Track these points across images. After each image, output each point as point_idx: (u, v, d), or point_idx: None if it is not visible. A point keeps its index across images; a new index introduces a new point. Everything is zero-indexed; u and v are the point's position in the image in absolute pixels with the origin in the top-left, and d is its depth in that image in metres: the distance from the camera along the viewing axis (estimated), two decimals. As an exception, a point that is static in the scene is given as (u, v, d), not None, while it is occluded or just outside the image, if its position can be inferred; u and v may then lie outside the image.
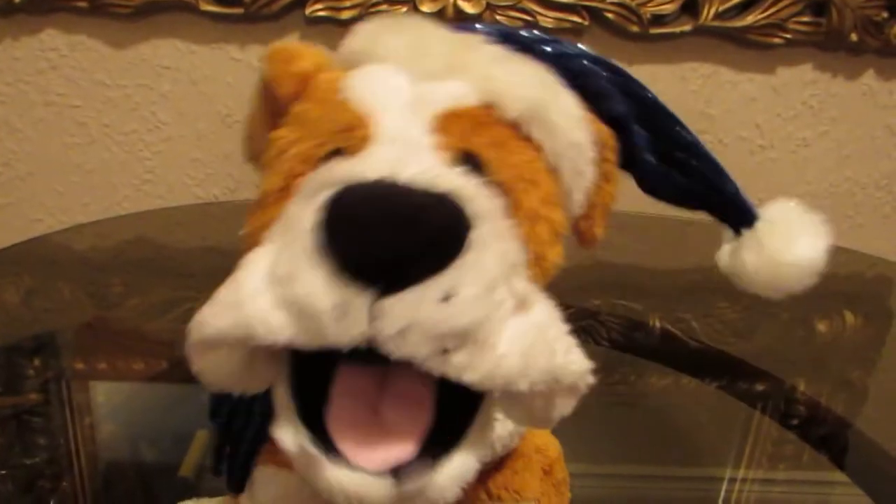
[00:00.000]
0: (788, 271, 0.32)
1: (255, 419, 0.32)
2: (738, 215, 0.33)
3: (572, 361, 0.22)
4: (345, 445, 0.22)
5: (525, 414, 0.23)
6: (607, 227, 0.31)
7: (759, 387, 0.62)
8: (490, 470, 0.32)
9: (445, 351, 0.21)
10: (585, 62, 0.30)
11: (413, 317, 0.20)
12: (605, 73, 0.31)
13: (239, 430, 0.32)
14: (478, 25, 0.31)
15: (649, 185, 0.33)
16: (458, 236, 0.21)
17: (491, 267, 0.22)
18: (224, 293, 0.22)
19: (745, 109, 0.82)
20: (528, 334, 0.22)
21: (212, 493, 0.41)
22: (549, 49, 0.30)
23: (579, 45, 0.31)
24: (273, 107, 0.29)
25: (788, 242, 0.32)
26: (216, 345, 0.22)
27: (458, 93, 0.27)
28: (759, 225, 0.33)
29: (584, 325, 0.66)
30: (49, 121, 0.80)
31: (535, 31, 0.31)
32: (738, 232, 0.33)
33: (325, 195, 0.21)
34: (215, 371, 0.23)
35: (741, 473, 0.53)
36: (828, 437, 0.58)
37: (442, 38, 0.29)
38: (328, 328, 0.21)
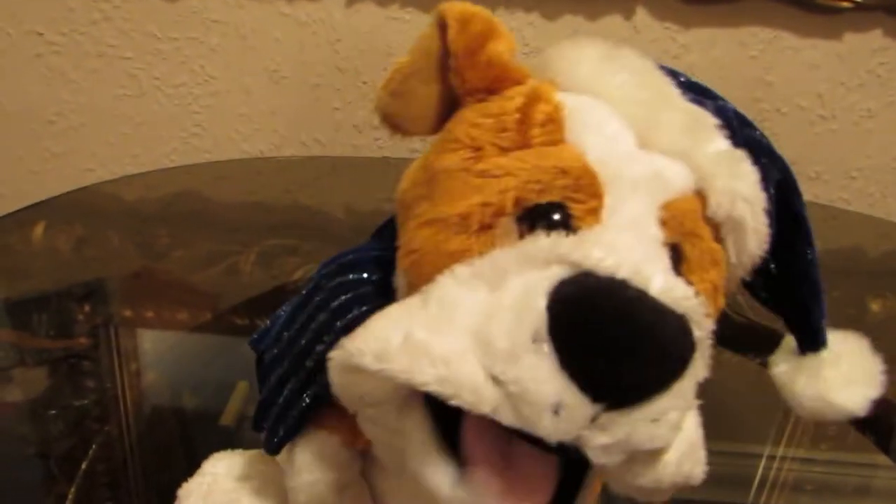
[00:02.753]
0: (832, 411, 0.31)
1: (306, 397, 0.32)
2: (811, 339, 0.32)
3: (701, 470, 0.24)
4: (486, 495, 0.22)
5: (627, 490, 0.24)
6: None
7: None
8: None
9: (631, 459, 0.22)
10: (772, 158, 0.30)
11: (626, 435, 0.21)
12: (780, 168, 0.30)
13: (287, 401, 0.32)
14: (709, 99, 0.29)
15: (753, 283, 0.32)
16: (686, 366, 0.21)
17: (693, 389, 0.22)
18: (426, 336, 0.21)
19: (807, 77, 0.79)
20: (684, 444, 0.23)
21: (251, 443, 0.41)
22: (761, 142, 0.30)
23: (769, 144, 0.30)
24: (447, 79, 0.27)
25: (844, 387, 0.31)
26: (387, 382, 0.22)
27: (686, 182, 0.26)
28: (824, 354, 0.32)
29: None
30: (101, 72, 0.81)
31: (753, 125, 0.30)
32: (801, 349, 0.32)
33: (559, 275, 0.21)
34: (357, 391, 0.23)
35: (780, 451, 0.53)
36: (873, 419, 0.56)
37: (676, 105, 0.27)
38: (542, 420, 0.20)
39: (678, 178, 0.26)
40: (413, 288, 0.24)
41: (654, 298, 0.21)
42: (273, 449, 0.33)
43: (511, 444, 0.23)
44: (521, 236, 0.24)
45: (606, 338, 0.20)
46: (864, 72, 0.79)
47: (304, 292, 0.33)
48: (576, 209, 0.24)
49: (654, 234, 0.24)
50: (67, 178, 0.84)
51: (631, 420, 0.20)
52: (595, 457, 0.21)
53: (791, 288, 0.31)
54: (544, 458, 0.23)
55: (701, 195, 0.26)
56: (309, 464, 0.32)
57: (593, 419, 0.20)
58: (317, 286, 0.32)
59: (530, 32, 0.76)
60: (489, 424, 0.22)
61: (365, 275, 0.30)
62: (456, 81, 0.27)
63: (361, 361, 0.22)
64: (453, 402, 0.21)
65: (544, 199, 0.24)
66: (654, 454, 0.22)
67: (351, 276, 0.31)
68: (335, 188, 0.79)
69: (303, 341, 0.31)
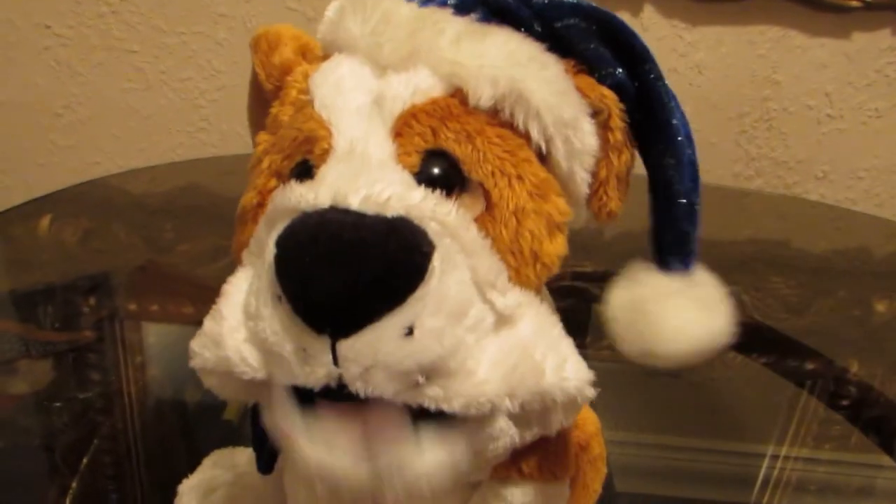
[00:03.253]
0: (652, 342, 0.26)
1: None
2: (668, 249, 0.28)
3: (565, 378, 0.22)
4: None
5: (522, 429, 0.23)
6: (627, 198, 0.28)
7: (809, 366, 0.61)
8: (523, 448, 0.32)
9: (418, 384, 0.21)
10: (573, 20, 0.26)
11: (374, 357, 0.20)
12: (593, 28, 0.26)
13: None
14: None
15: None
16: (412, 267, 0.20)
17: (455, 292, 0.21)
18: (208, 325, 0.23)
19: (815, 76, 0.79)
20: (511, 354, 0.21)
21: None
22: (530, 7, 0.27)
23: None
24: (262, 97, 0.29)
25: (676, 314, 0.26)
26: (211, 374, 0.23)
27: (421, 85, 0.24)
28: (674, 279, 0.27)
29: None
30: (108, 65, 0.81)
31: None
32: (661, 265, 0.28)
33: (281, 226, 0.21)
34: (221, 390, 0.24)
35: (784, 451, 0.52)
36: (878, 420, 0.56)
37: (404, 18, 0.26)
38: (294, 370, 0.21)
39: (409, 86, 0.24)
40: None
41: (353, 212, 0.21)
42: (263, 468, 0.33)
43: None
44: None
45: (307, 268, 0.20)
46: (873, 71, 0.79)
47: None
48: (313, 159, 0.25)
49: (384, 152, 0.24)
50: (74, 171, 0.84)
51: (370, 341, 0.20)
52: (362, 389, 0.20)
53: (658, 169, 0.27)
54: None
55: (459, 92, 0.24)
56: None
57: (337, 353, 0.20)
58: None
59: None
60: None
61: None
62: (267, 94, 0.29)
63: (194, 365, 0.23)
64: (239, 375, 0.22)
65: (292, 164, 0.25)
66: (449, 372, 0.21)
67: None
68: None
69: None
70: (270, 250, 0.21)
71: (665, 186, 0.27)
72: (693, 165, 0.27)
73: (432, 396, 0.21)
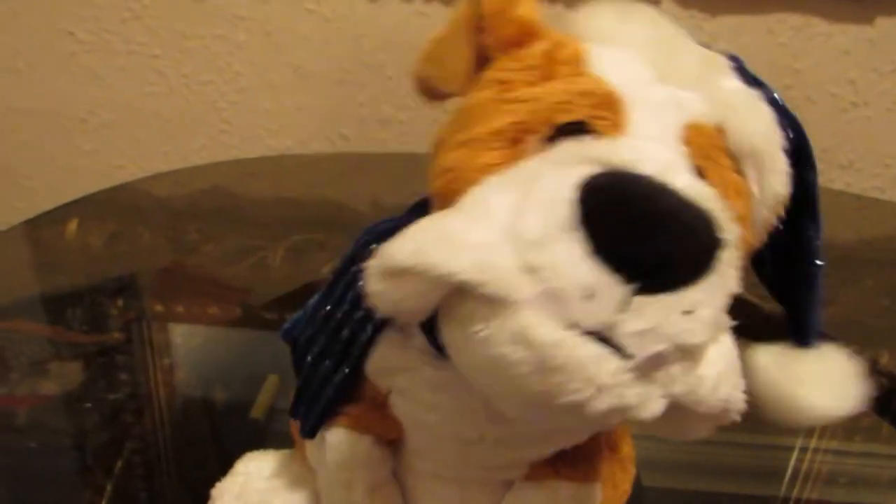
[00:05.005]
0: (793, 408, 0.30)
1: (344, 368, 0.32)
2: (798, 328, 0.31)
3: (740, 398, 0.23)
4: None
5: (672, 426, 0.23)
6: None
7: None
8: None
9: (666, 359, 0.21)
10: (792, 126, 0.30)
11: (659, 322, 0.21)
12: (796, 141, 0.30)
13: (324, 378, 0.32)
14: (720, 52, 0.30)
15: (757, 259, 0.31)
16: (715, 256, 0.21)
17: (725, 293, 0.22)
18: (457, 227, 0.22)
19: (838, 63, 0.77)
20: (723, 361, 0.22)
21: (281, 436, 0.42)
22: (774, 99, 0.30)
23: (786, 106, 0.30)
24: (478, 40, 0.29)
25: (814, 386, 0.30)
26: (424, 279, 0.22)
27: (704, 109, 0.27)
28: (809, 353, 0.31)
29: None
30: (130, 70, 0.82)
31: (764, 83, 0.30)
32: (789, 338, 0.32)
33: (587, 170, 0.21)
34: (393, 297, 0.22)
35: (813, 443, 0.52)
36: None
37: (690, 48, 0.29)
38: (572, 306, 0.20)
39: (698, 105, 0.27)
40: (445, 208, 0.25)
41: (679, 190, 0.22)
42: (309, 431, 0.34)
43: None
44: None
45: (634, 221, 0.20)
46: (898, 57, 0.77)
47: (338, 267, 0.33)
48: (600, 125, 0.25)
49: (679, 149, 0.25)
50: (99, 175, 0.85)
51: (662, 306, 0.21)
52: (628, 345, 0.21)
53: (790, 267, 0.31)
54: None
55: (719, 128, 0.27)
56: (340, 464, 0.33)
57: (625, 304, 0.20)
58: (352, 257, 0.32)
59: (554, 23, 0.75)
60: None
61: None
62: (487, 39, 0.28)
63: (397, 260, 0.22)
64: (488, 291, 0.21)
65: (571, 118, 0.25)
66: (690, 357, 0.22)
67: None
68: (361, 183, 0.80)
69: (339, 313, 0.32)
70: (573, 186, 0.21)
71: (803, 255, 0.31)
72: (818, 272, 0.31)
73: (670, 375, 0.21)
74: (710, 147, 0.26)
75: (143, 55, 0.81)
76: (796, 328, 0.31)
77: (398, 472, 0.34)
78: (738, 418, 0.24)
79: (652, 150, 0.24)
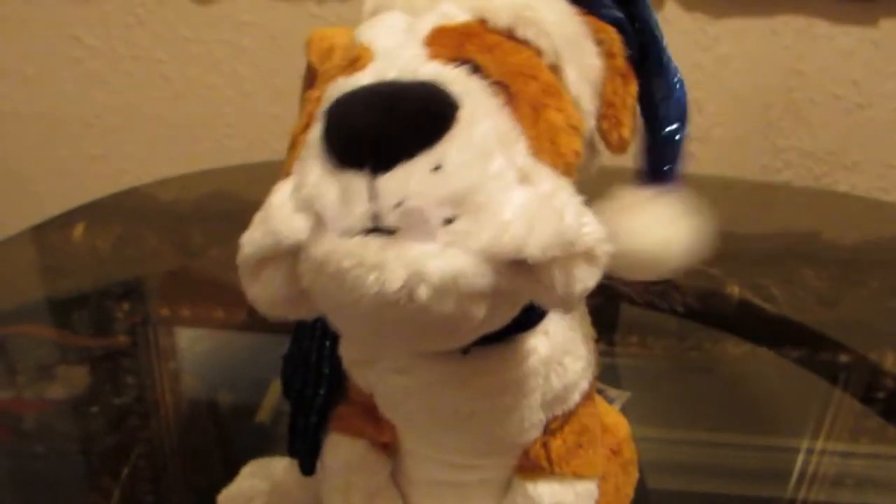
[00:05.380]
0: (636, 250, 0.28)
1: (323, 386, 0.33)
2: (649, 173, 0.30)
3: (584, 224, 0.22)
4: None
5: (547, 292, 0.23)
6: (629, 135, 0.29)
7: (842, 359, 0.60)
8: (553, 434, 0.32)
9: (448, 221, 0.21)
10: None
11: (406, 189, 0.21)
12: None
13: (309, 400, 0.33)
14: None
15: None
16: (441, 113, 0.22)
17: (480, 138, 0.22)
18: (257, 215, 0.24)
19: (842, 65, 0.77)
20: (534, 203, 0.22)
21: (286, 440, 0.42)
22: None
23: None
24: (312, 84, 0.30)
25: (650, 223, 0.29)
26: (257, 263, 0.23)
27: (448, 13, 0.27)
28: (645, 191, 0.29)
29: (659, 289, 0.65)
30: (136, 75, 0.82)
31: None
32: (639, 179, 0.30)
33: (325, 107, 0.23)
34: (264, 294, 0.24)
35: (819, 445, 0.52)
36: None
37: None
38: (336, 215, 0.22)
39: (437, 13, 0.27)
40: None
41: (390, 80, 0.23)
42: (307, 469, 0.34)
43: None
44: None
45: (348, 119, 0.22)
46: (902, 58, 0.77)
47: None
48: (357, 70, 0.26)
49: (418, 54, 0.25)
50: (105, 179, 0.86)
51: (402, 176, 0.21)
52: (397, 223, 0.21)
53: (651, 105, 0.30)
54: None
55: (482, 20, 0.26)
56: (338, 470, 0.33)
57: (374, 191, 0.21)
58: None
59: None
60: None
61: None
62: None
63: (243, 255, 0.23)
64: (284, 245, 0.22)
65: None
66: (476, 208, 0.22)
67: None
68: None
69: (306, 341, 0.33)
70: (319, 127, 0.22)
71: (655, 120, 0.29)
72: (681, 104, 0.29)
73: (459, 232, 0.22)
74: (468, 36, 0.26)
75: (148, 60, 0.81)
76: (638, 174, 0.30)
77: (397, 479, 0.34)
78: (602, 253, 0.23)
79: (376, 64, 0.25)
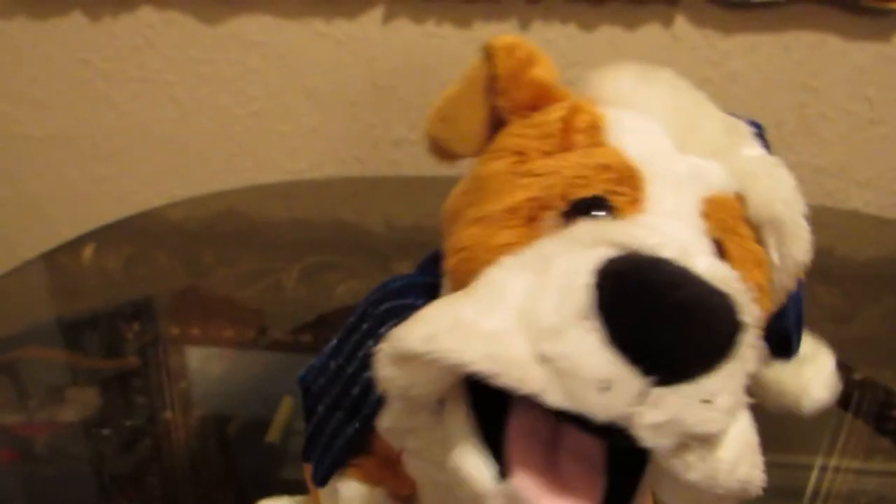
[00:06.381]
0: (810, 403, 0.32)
1: (355, 423, 0.32)
2: (787, 352, 0.32)
3: (760, 476, 0.23)
4: (529, 494, 0.21)
5: (680, 496, 0.23)
6: None
7: (855, 376, 0.59)
8: None
9: (683, 446, 0.21)
10: None
11: (677, 413, 0.20)
12: None
13: (335, 429, 0.32)
14: (742, 120, 0.30)
15: None
16: (734, 344, 0.21)
17: (743, 378, 0.22)
18: (474, 317, 0.21)
19: (855, 81, 0.77)
20: (740, 441, 0.22)
21: (296, 458, 0.42)
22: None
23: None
24: (492, 101, 0.28)
25: (818, 379, 0.32)
26: (436, 366, 0.21)
27: (726, 181, 0.26)
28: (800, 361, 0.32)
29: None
30: (145, 96, 0.83)
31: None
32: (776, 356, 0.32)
33: (604, 254, 0.21)
34: (403, 383, 0.22)
35: (834, 462, 0.51)
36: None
37: (711, 115, 0.28)
38: (589, 397, 0.20)
39: (718, 177, 0.26)
40: (459, 287, 0.24)
41: (699, 275, 0.21)
42: (320, 480, 0.33)
43: (557, 448, 0.23)
44: None
45: (653, 311, 0.20)
46: (916, 73, 0.77)
47: (350, 321, 0.33)
48: (618, 201, 0.24)
49: (698, 225, 0.25)
50: (115, 201, 0.86)
51: (681, 397, 0.20)
52: (645, 437, 0.20)
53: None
54: (591, 462, 0.23)
55: (740, 197, 0.27)
56: None
57: (642, 396, 0.20)
58: (364, 314, 0.32)
59: (567, 44, 0.75)
60: (534, 424, 0.22)
61: (413, 300, 0.31)
62: (502, 101, 0.28)
63: (409, 346, 0.21)
64: (501, 382, 0.20)
65: (588, 193, 0.24)
66: (708, 444, 0.21)
67: (399, 302, 0.31)
68: (375, 205, 0.80)
69: (350, 369, 0.32)
70: (589, 272, 0.21)
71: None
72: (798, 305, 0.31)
73: (687, 462, 0.21)
74: (730, 218, 0.26)
75: (157, 82, 0.82)
76: (785, 350, 0.32)
77: None
78: (758, 493, 0.23)
79: (671, 229, 0.23)
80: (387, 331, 0.30)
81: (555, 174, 0.25)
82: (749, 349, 0.22)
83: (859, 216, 0.80)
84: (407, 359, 0.22)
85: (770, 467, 0.52)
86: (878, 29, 0.75)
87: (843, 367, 0.57)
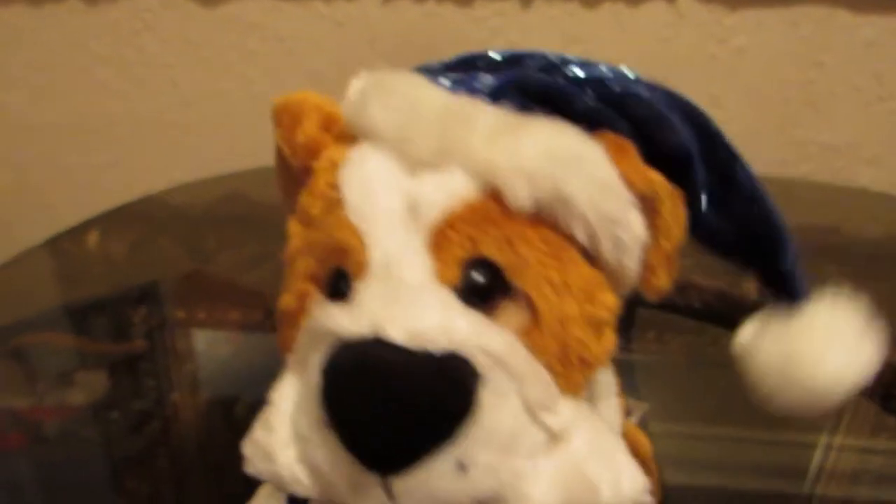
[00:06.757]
0: (798, 389, 0.27)
1: None
2: (780, 285, 0.28)
3: (620, 493, 0.22)
4: None
5: None
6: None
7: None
8: None
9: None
10: (630, 87, 0.26)
11: (429, 493, 0.20)
12: (653, 97, 0.26)
13: None
14: (480, 78, 0.27)
15: (701, 233, 0.28)
16: (460, 403, 0.20)
17: (507, 422, 0.21)
18: (260, 435, 0.24)
19: (863, 56, 0.76)
20: (566, 473, 0.21)
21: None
22: (581, 74, 0.26)
23: (623, 69, 0.27)
24: (289, 171, 0.29)
25: (819, 354, 0.27)
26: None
27: (456, 188, 0.23)
28: (799, 317, 0.28)
29: (675, 285, 0.64)
30: (146, 81, 0.82)
31: (566, 55, 0.27)
32: (775, 301, 0.28)
33: (323, 354, 0.21)
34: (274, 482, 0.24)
35: (838, 440, 0.51)
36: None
37: (433, 110, 0.25)
38: (348, 499, 0.21)
39: (443, 191, 0.23)
40: (288, 346, 0.26)
41: (399, 348, 0.20)
42: None
43: None
44: None
45: (355, 408, 0.20)
46: (926, 47, 0.76)
47: None
48: (349, 269, 0.24)
49: (421, 269, 0.23)
50: (117, 186, 0.86)
51: (424, 478, 0.20)
52: None
53: (744, 227, 0.28)
54: None
55: (496, 192, 0.23)
56: None
57: (389, 489, 0.20)
58: None
59: (570, 22, 0.75)
60: None
61: None
62: (292, 165, 0.28)
63: (248, 470, 0.24)
64: (287, 491, 0.23)
65: (327, 271, 0.25)
66: (507, 497, 0.21)
67: None
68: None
69: None
70: (315, 375, 0.21)
71: (759, 255, 0.28)
72: (769, 210, 0.29)
73: None
74: (483, 226, 0.23)
75: (157, 66, 0.81)
76: (777, 282, 0.28)
77: None
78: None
79: (374, 297, 0.22)
80: None
81: (304, 256, 0.26)
82: (505, 389, 0.21)
83: (867, 194, 0.79)
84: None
85: (774, 446, 0.52)
86: (888, 3, 0.73)
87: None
